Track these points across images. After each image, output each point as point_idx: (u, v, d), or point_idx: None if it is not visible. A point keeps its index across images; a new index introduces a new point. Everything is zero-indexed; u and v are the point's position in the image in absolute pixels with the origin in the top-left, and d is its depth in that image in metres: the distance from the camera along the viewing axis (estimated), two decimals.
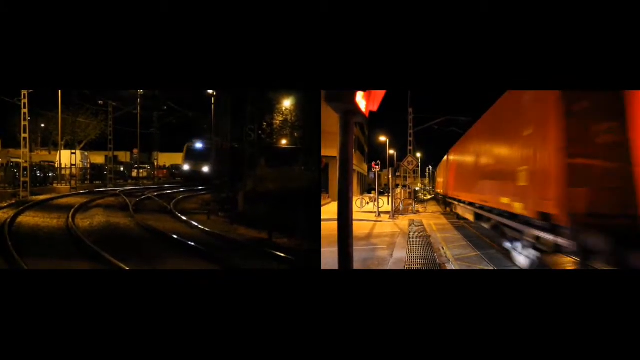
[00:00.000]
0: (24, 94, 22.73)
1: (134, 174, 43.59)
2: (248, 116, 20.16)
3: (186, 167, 38.70)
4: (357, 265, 9.31)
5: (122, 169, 43.40)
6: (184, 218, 15.77)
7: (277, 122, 27.34)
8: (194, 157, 37.71)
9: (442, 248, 11.98)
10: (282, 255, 9.85)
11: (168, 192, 27.45)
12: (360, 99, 4.15)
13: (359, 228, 16.93)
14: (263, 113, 24.82)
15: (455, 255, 10.85)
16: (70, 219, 14.04)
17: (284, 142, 27.82)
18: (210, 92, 30.89)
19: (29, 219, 14.58)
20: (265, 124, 25.94)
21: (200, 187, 31.14)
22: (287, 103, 26.99)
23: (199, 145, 38.78)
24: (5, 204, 18.44)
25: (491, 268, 9.27)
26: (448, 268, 9.35)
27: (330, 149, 14.54)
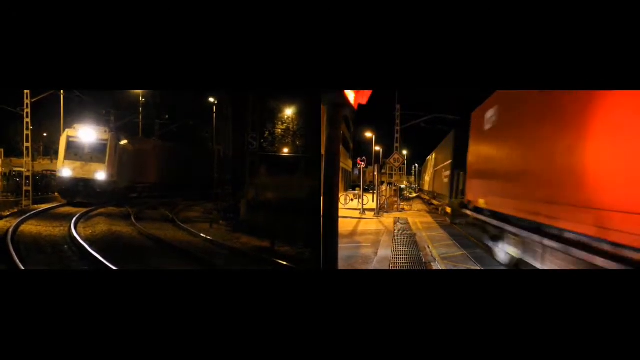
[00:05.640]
0: (27, 104, 22.77)
1: None
2: (250, 124, 20.17)
3: (65, 173, 22.99)
4: (340, 264, 9.20)
5: None
6: (185, 226, 15.78)
7: (279, 130, 27.35)
8: (81, 153, 23.27)
9: (428, 247, 11.93)
10: (284, 263, 9.85)
11: (168, 200, 27.45)
12: (349, 91, 4.05)
13: (342, 225, 16.80)
14: (265, 121, 24.81)
15: (442, 254, 10.81)
16: (72, 228, 14.05)
17: (286, 150, 27.82)
18: (212, 100, 30.92)
19: (31, 227, 14.59)
20: (267, 132, 25.93)
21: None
22: (289, 112, 27.03)
23: (88, 133, 23.44)
24: (8, 213, 18.47)
25: (478, 267, 9.30)
26: (434, 267, 9.36)
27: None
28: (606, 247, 5.21)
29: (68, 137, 23.33)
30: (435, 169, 25.85)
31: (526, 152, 7.88)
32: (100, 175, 23.15)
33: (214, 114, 30.76)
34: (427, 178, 31.47)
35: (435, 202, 24.91)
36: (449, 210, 17.28)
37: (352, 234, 14.90)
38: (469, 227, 13.75)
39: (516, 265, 8.71)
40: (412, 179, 73.93)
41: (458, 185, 16.07)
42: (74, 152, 23.16)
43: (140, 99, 35.51)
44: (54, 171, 27.70)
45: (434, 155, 27.85)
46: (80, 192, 22.72)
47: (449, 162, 18.43)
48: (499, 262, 9.56)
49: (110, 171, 23.55)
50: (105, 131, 24.25)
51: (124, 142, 25.86)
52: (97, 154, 23.28)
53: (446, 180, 19.21)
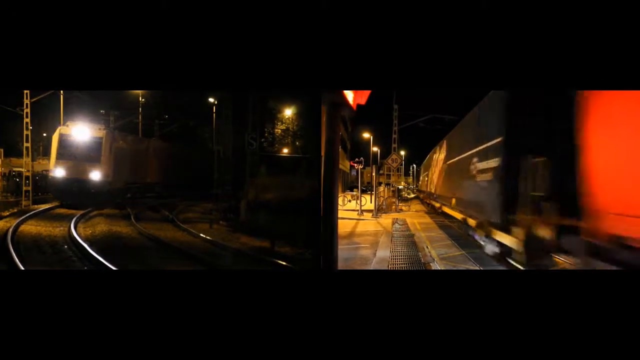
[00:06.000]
0: (27, 104, 22.73)
1: None
2: (250, 124, 20.15)
3: (58, 173, 21.54)
4: (338, 265, 9.11)
5: None
6: (185, 227, 15.77)
7: (279, 130, 27.32)
8: (74, 152, 21.73)
9: (427, 247, 11.86)
10: (284, 263, 9.84)
11: (168, 200, 27.39)
12: (348, 91, 4.05)
13: (341, 226, 16.50)
14: (265, 121, 24.76)
15: (440, 254, 10.75)
16: (72, 228, 14.04)
17: (285, 150, 27.76)
18: (212, 100, 30.85)
19: (31, 227, 14.58)
20: (267, 132, 25.89)
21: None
22: (289, 112, 27.01)
23: (82, 131, 22.06)
24: (8, 213, 18.45)
25: (477, 267, 9.24)
26: (433, 268, 9.32)
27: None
28: None
29: (61, 135, 21.81)
30: (450, 161, 16.13)
31: None
32: (95, 175, 21.72)
33: (214, 114, 30.67)
34: (432, 176, 22.74)
35: (451, 211, 15.25)
36: (514, 242, 7.74)
37: (351, 235, 14.85)
38: None
39: None
40: (410, 179, 73.82)
41: (533, 185, 7.56)
42: (67, 151, 21.65)
43: (140, 99, 35.38)
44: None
45: (444, 143, 18.52)
46: (74, 193, 21.09)
47: (497, 140, 8.72)
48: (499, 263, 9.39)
49: (106, 171, 22.11)
50: (100, 129, 22.88)
51: (120, 141, 24.89)
52: (91, 153, 21.79)
53: (487, 177, 9.43)
